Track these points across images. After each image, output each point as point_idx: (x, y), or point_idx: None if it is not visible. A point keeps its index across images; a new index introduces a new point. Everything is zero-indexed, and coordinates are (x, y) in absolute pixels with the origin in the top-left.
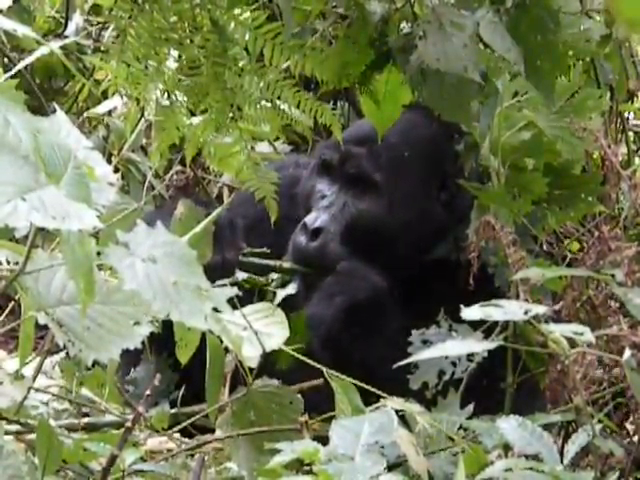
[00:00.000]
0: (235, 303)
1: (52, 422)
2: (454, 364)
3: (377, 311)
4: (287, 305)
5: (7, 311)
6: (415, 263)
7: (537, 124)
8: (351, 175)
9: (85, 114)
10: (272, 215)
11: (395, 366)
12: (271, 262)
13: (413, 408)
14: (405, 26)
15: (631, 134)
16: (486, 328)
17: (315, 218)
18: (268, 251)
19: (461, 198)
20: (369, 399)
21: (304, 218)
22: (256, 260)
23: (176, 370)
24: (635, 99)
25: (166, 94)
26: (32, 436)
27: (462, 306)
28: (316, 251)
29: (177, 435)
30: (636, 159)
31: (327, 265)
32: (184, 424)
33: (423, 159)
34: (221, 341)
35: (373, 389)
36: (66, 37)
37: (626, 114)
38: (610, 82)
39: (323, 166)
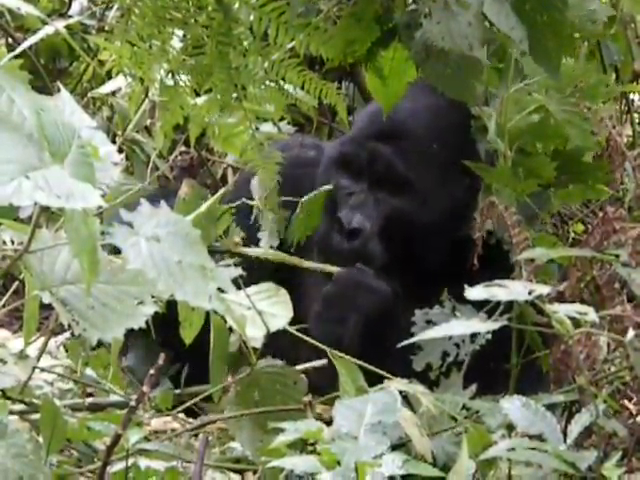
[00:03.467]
0: (239, 283)
1: (56, 402)
2: (458, 346)
3: (389, 321)
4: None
5: (11, 291)
6: (444, 249)
7: (547, 108)
8: (381, 174)
9: (89, 94)
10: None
11: (399, 345)
12: (301, 261)
13: (416, 389)
14: (411, 2)
15: (636, 115)
16: (490, 310)
17: (350, 217)
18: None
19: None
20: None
21: (334, 214)
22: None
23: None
24: None
25: (170, 74)
26: (36, 416)
27: (466, 286)
28: (357, 252)
29: (181, 415)
30: None
31: (368, 265)
32: (188, 404)
33: (448, 148)
34: (225, 321)
35: (376, 369)
36: (70, 17)
37: (631, 95)
38: (615, 63)
39: (345, 163)
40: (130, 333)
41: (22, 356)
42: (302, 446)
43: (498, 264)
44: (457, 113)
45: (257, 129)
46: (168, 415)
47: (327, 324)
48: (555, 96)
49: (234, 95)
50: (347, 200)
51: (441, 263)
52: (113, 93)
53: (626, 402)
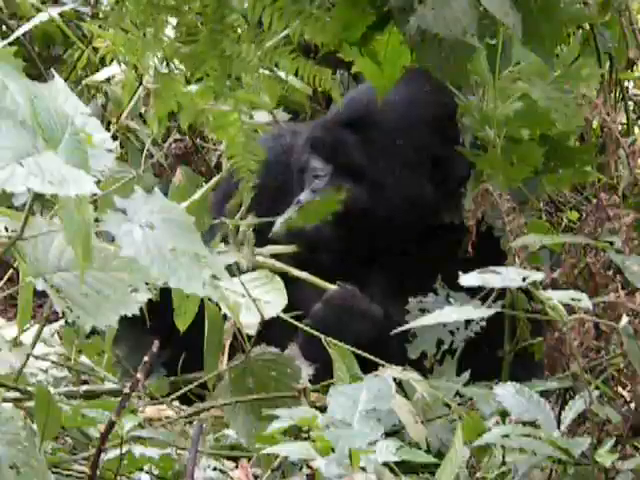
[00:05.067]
0: (233, 270)
1: (51, 389)
2: (452, 333)
3: (381, 348)
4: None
5: (5, 278)
6: (406, 239)
7: (531, 96)
8: (342, 161)
9: (83, 82)
10: (246, 197)
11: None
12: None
13: (411, 376)
14: None
15: (631, 103)
16: (484, 296)
17: (308, 199)
18: None
19: (457, 165)
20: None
21: (298, 195)
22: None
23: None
24: (635, 68)
25: (164, 61)
26: (31, 403)
27: (460, 273)
28: (310, 233)
29: (175, 402)
30: (635, 129)
31: (320, 247)
32: (182, 391)
33: (417, 145)
34: (219, 308)
35: (371, 357)
36: (64, 4)
37: (625, 83)
38: (609, 50)
39: (314, 147)
40: (121, 321)
41: (16, 343)
42: (296, 433)
43: (488, 251)
44: (436, 107)
45: (251, 117)
46: (162, 402)
47: (318, 347)
48: (539, 83)
49: (227, 83)
50: (313, 182)
51: (420, 249)
52: (107, 80)
53: (620, 389)
